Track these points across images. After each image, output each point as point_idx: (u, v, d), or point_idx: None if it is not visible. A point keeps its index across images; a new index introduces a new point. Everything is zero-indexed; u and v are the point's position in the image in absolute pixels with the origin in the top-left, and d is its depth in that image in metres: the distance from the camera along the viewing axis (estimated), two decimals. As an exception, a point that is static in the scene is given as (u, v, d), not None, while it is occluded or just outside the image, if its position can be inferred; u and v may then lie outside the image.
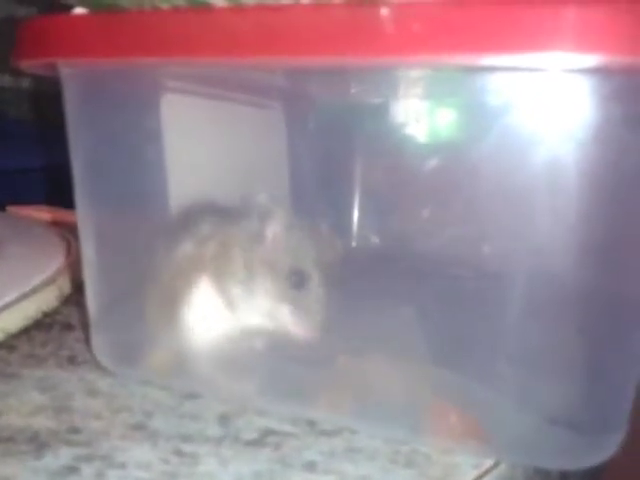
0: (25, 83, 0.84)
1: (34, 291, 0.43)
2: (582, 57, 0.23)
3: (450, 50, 0.24)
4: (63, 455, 0.29)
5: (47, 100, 0.42)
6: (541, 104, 0.27)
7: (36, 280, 0.44)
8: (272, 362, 0.34)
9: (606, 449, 0.30)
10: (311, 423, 0.32)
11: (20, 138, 0.79)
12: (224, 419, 0.32)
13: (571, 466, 0.30)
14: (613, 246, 0.29)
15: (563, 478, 0.31)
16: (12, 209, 0.69)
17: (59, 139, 0.35)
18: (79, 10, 0.30)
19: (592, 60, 0.23)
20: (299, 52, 0.26)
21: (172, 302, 0.35)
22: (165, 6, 0.28)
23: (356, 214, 0.46)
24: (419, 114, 0.37)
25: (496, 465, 0.29)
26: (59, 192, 0.42)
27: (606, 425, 0.30)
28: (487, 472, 0.29)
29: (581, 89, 0.26)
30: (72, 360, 0.38)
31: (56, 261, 0.48)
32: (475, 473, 0.29)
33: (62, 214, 0.65)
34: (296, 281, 0.33)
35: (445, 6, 0.23)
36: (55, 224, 0.62)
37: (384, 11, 0.24)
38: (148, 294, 0.36)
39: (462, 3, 0.23)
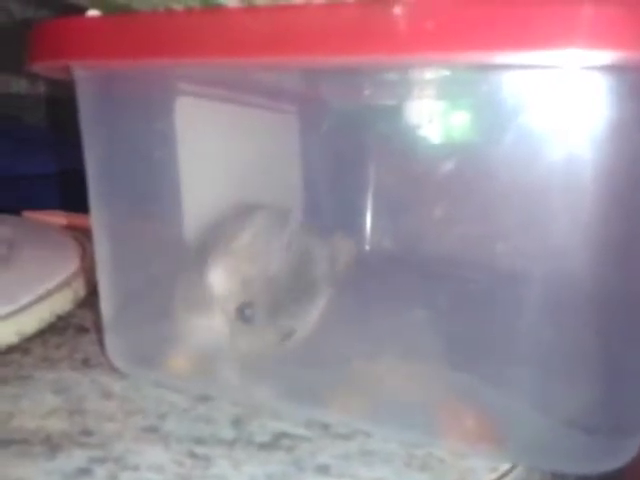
0: (41, 89, 0.84)
1: (49, 294, 0.43)
2: (598, 54, 0.22)
3: (464, 48, 0.23)
4: (76, 457, 0.29)
5: (62, 106, 0.42)
6: (556, 103, 0.27)
7: (51, 283, 0.44)
8: (286, 365, 0.34)
9: (624, 453, 0.29)
10: (325, 426, 0.32)
11: (35, 144, 0.80)
12: (237, 422, 0.32)
13: (589, 470, 0.30)
14: (630, 246, 0.29)
15: (581, 482, 0.30)
16: (28, 214, 0.69)
17: (74, 145, 0.35)
18: (92, 12, 0.30)
19: (608, 57, 0.22)
20: (312, 52, 0.26)
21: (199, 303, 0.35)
22: (178, 7, 0.28)
23: (370, 217, 0.46)
24: (433, 115, 0.37)
25: (512, 469, 0.29)
26: (74, 197, 0.42)
27: (624, 428, 0.29)
28: (503, 476, 0.29)
29: (597, 87, 0.25)
30: (86, 363, 0.38)
31: (71, 265, 0.48)
32: (491, 477, 0.29)
33: (77, 219, 0.66)
34: None
35: (458, 4, 0.23)
36: (70, 228, 0.62)
37: (397, 9, 0.23)
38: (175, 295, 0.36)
39: (476, 0, 0.23)
